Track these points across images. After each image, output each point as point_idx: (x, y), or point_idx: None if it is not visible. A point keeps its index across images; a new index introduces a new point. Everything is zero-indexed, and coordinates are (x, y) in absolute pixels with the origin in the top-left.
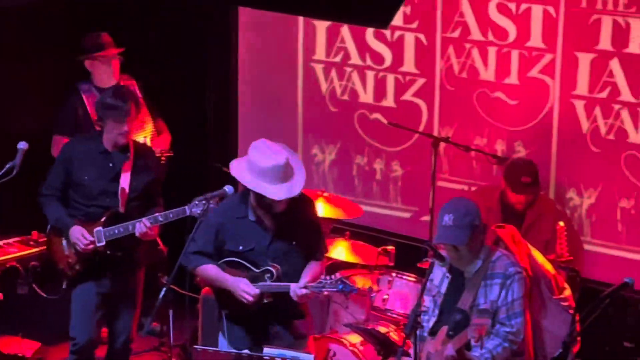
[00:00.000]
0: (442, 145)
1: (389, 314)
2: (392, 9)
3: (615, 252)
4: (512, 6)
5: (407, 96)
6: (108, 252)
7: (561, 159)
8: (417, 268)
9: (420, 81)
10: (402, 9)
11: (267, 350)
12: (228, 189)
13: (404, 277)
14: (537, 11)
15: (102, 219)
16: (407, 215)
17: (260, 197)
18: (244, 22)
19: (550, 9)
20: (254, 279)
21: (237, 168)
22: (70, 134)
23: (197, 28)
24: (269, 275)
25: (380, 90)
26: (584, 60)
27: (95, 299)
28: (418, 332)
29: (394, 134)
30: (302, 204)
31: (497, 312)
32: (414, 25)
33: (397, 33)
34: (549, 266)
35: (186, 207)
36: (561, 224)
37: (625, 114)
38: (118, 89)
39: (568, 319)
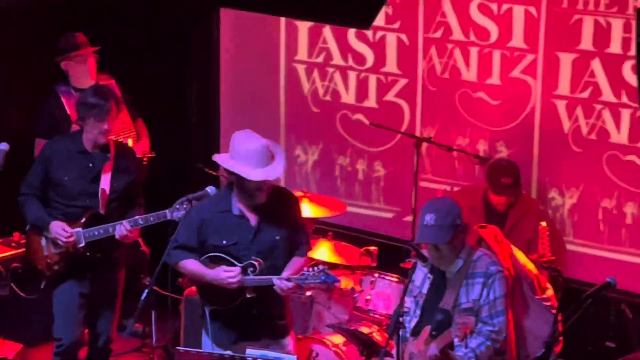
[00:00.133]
0: (425, 145)
1: (371, 314)
2: (374, 10)
3: (597, 252)
4: (494, 6)
5: (390, 96)
6: (88, 253)
7: (543, 159)
8: (400, 268)
9: (403, 81)
10: (384, 9)
11: (249, 351)
12: (210, 189)
13: (387, 277)
14: (518, 11)
15: (82, 220)
16: (389, 215)
17: (241, 186)
18: (225, 23)
19: (532, 9)
20: None
21: (220, 156)
22: (50, 136)
23: (180, 29)
24: (251, 269)
25: (362, 90)
26: (566, 60)
27: (77, 299)
28: (400, 332)
29: (376, 134)
30: (286, 200)
31: (479, 311)
32: (396, 25)
33: (379, 33)
34: (531, 266)
35: (167, 211)
36: (543, 224)
37: (606, 114)
38: (98, 88)
39: (550, 318)
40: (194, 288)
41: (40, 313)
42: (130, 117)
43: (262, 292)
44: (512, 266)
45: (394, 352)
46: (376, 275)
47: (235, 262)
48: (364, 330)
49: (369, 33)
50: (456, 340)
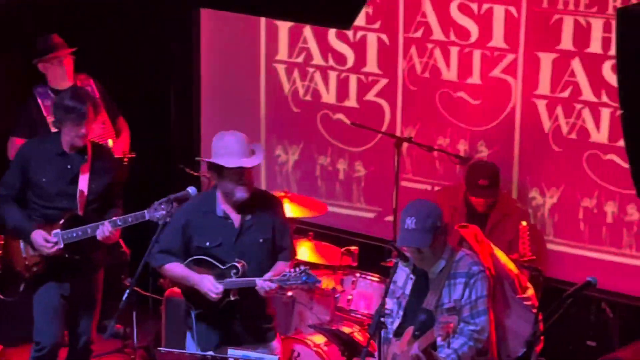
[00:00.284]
0: (405, 145)
1: (353, 314)
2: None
3: (578, 251)
4: (474, 6)
5: (370, 96)
6: (66, 255)
7: (524, 159)
8: (381, 268)
9: (383, 81)
10: (364, 9)
11: (231, 352)
12: (191, 190)
13: (368, 277)
14: (499, 11)
15: (61, 222)
16: (370, 215)
17: (221, 183)
18: (206, 23)
19: (512, 9)
20: (220, 276)
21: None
22: (26, 137)
23: (160, 30)
24: (234, 271)
25: (342, 90)
26: (546, 60)
27: (57, 301)
28: (383, 333)
29: (357, 134)
30: (271, 203)
31: (461, 311)
32: (377, 25)
33: (360, 33)
34: (512, 266)
35: (145, 211)
36: (524, 223)
37: (586, 113)
38: (76, 91)
39: (531, 318)
40: (175, 289)
41: (20, 314)
42: (111, 115)
43: (247, 294)
44: (492, 266)
45: (377, 353)
46: (357, 275)
47: (218, 265)
48: (346, 330)
49: (349, 33)
50: (439, 340)
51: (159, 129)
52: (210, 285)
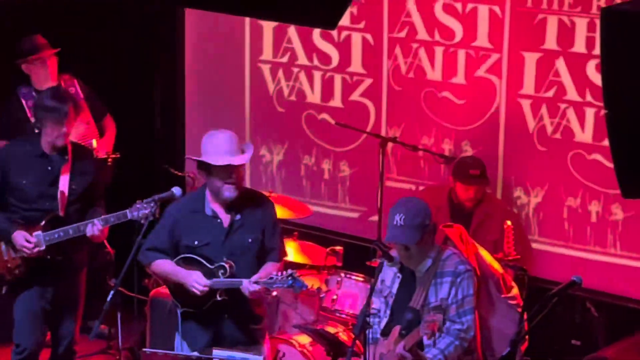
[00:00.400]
0: (390, 145)
1: (338, 314)
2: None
3: (563, 250)
4: (459, 6)
5: (355, 96)
6: (48, 256)
7: (508, 158)
8: (366, 267)
9: (368, 81)
10: (349, 9)
11: (216, 352)
12: (176, 190)
13: (353, 277)
14: (483, 11)
15: (42, 223)
16: (355, 215)
17: (209, 181)
18: (190, 23)
19: (496, 9)
20: (207, 275)
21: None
22: (8, 138)
23: (144, 29)
24: (222, 271)
25: (327, 90)
26: (530, 59)
27: (39, 303)
28: (370, 333)
29: (341, 134)
30: (261, 203)
31: (447, 310)
32: (361, 25)
33: (344, 33)
34: (496, 265)
35: (127, 211)
36: (508, 222)
37: (571, 113)
38: (56, 91)
39: (516, 317)
40: (160, 289)
41: (1, 315)
42: (97, 114)
43: (235, 295)
44: (477, 265)
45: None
46: (342, 275)
47: (206, 264)
48: (330, 330)
49: (334, 33)
50: (425, 338)
51: (144, 129)
52: (196, 278)
